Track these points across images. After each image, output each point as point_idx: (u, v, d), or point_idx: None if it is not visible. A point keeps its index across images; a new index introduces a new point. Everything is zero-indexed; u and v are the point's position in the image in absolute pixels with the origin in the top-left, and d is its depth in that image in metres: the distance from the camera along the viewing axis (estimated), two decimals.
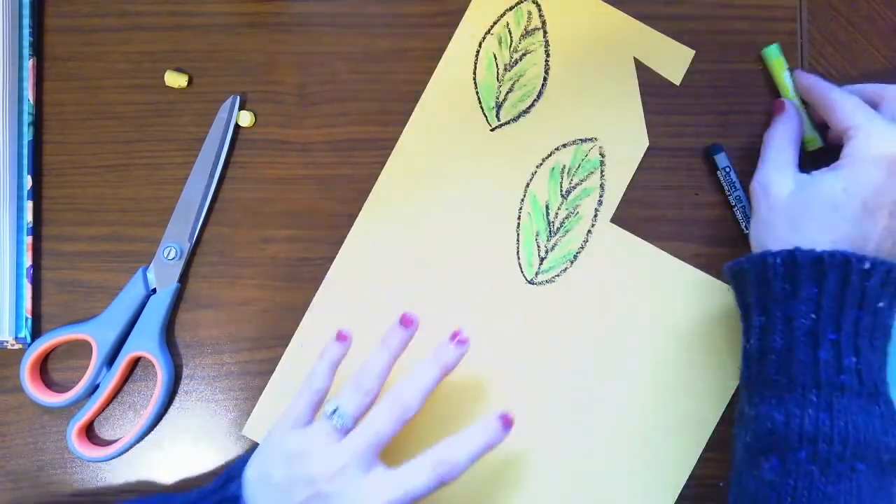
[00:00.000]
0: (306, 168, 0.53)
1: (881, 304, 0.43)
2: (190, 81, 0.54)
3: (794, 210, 0.46)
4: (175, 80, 0.53)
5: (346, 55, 0.54)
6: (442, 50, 0.54)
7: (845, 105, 0.47)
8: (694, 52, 0.53)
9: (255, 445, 0.51)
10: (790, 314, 0.44)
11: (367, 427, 0.45)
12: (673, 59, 0.53)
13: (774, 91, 0.53)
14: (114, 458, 0.52)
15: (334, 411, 0.45)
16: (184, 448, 0.52)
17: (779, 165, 0.49)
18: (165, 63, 0.54)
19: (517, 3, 0.54)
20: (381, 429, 0.44)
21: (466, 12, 0.54)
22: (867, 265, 0.43)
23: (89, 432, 0.53)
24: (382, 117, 0.53)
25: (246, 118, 0.53)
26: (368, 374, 0.46)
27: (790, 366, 0.43)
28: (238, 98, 0.53)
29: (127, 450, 0.52)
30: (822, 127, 0.51)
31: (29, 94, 0.53)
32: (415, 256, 0.53)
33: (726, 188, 0.52)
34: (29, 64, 0.53)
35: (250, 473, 0.45)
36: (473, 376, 0.52)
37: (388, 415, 0.45)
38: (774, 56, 0.53)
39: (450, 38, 0.54)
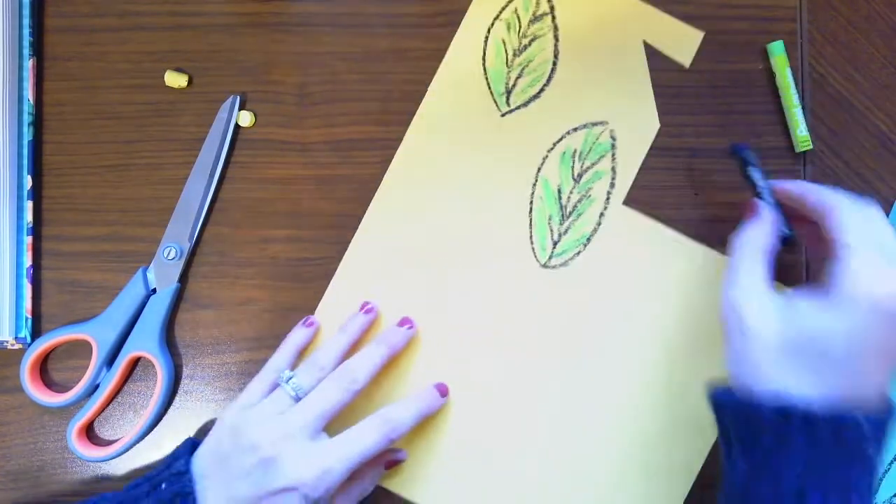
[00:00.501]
0: (306, 168, 0.53)
1: (870, 452, 0.40)
2: (190, 81, 0.54)
3: (780, 351, 0.41)
4: (175, 80, 0.53)
5: (346, 55, 0.54)
6: (442, 50, 0.54)
7: (842, 215, 0.42)
8: (703, 33, 0.53)
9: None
10: (778, 470, 0.40)
11: (315, 396, 0.47)
12: (682, 42, 0.53)
13: (775, 90, 0.53)
14: (114, 458, 0.52)
15: (290, 378, 0.47)
16: None
17: (750, 284, 0.43)
18: (165, 63, 0.54)
19: None
20: (329, 398, 0.46)
21: None
22: (863, 424, 0.39)
23: (89, 432, 0.53)
24: (382, 117, 0.53)
25: (246, 118, 0.53)
26: (326, 352, 0.49)
27: None
28: (238, 98, 0.53)
29: (127, 450, 0.52)
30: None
31: (29, 94, 0.53)
32: (428, 242, 0.53)
33: (758, 185, 0.49)
34: (29, 64, 0.53)
35: (201, 450, 0.47)
36: (489, 360, 0.52)
37: (337, 385, 0.47)
38: (778, 52, 0.53)
39: (450, 38, 0.54)
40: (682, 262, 0.52)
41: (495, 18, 0.54)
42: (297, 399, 0.47)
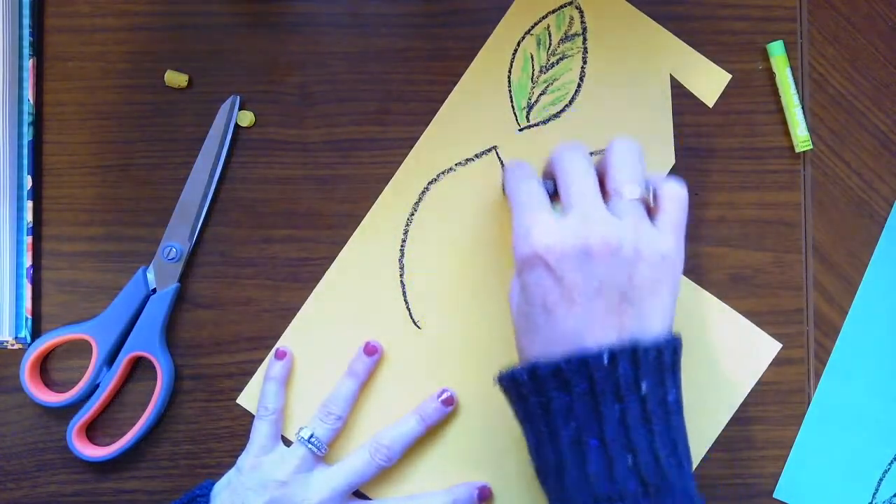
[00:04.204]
0: (306, 168, 0.53)
1: (644, 390, 0.40)
2: (190, 81, 0.54)
3: (519, 318, 0.43)
4: (175, 80, 0.53)
5: (346, 55, 0.54)
6: (442, 50, 0.54)
7: (514, 195, 0.44)
8: (730, 76, 0.53)
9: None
10: (552, 428, 0.40)
11: (347, 466, 0.49)
12: (709, 81, 0.53)
13: (775, 90, 0.53)
14: (114, 457, 0.52)
15: (311, 436, 0.49)
16: (183, 448, 0.52)
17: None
18: (165, 63, 0.54)
19: (560, 7, 0.53)
20: (359, 471, 0.49)
21: (508, 10, 0.53)
22: (606, 360, 0.39)
23: (89, 432, 0.53)
24: (382, 117, 0.53)
25: (246, 118, 0.53)
26: (337, 400, 0.50)
27: (566, 486, 0.40)
28: (238, 98, 0.53)
29: (127, 450, 0.52)
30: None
31: (29, 94, 0.53)
32: (424, 250, 0.53)
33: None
34: (29, 64, 0.53)
35: (223, 498, 0.48)
36: (482, 376, 0.52)
37: (371, 461, 0.49)
38: (778, 52, 0.53)
39: (451, 39, 0.54)
40: (678, 301, 0.52)
41: (527, 32, 0.53)
42: (320, 452, 0.49)
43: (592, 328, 0.40)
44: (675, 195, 0.44)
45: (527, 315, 0.42)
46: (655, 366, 0.40)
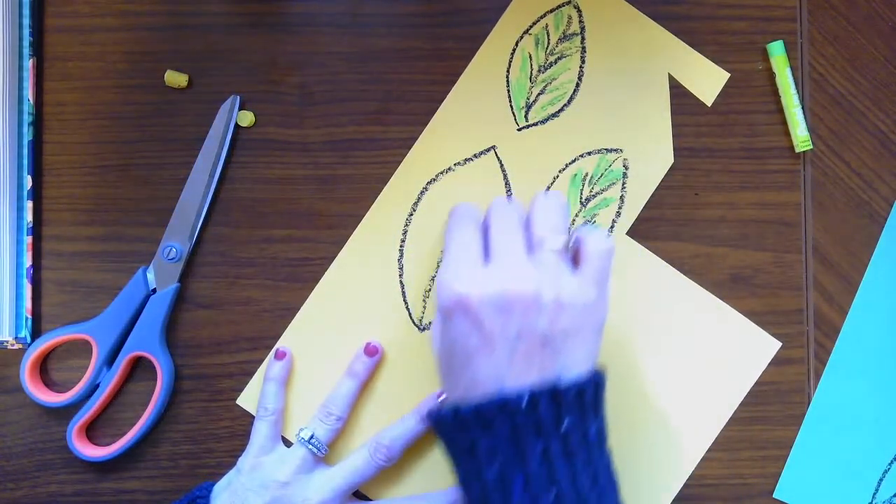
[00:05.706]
0: (306, 168, 0.53)
1: (565, 428, 0.40)
2: (190, 81, 0.54)
3: (441, 361, 0.44)
4: (175, 80, 0.53)
5: (346, 55, 0.54)
6: (442, 50, 0.54)
7: (447, 242, 0.45)
8: (728, 74, 0.53)
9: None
10: (478, 465, 0.41)
11: (347, 467, 0.49)
12: (707, 80, 0.53)
13: (775, 90, 0.53)
14: (114, 457, 0.52)
15: (311, 437, 0.49)
16: (183, 448, 0.52)
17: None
18: (165, 63, 0.54)
19: (558, 6, 0.53)
20: (361, 472, 0.49)
21: (506, 10, 0.53)
22: (525, 402, 0.40)
23: (89, 432, 0.53)
24: (382, 117, 0.53)
25: (246, 118, 0.53)
26: (337, 401, 0.51)
27: None
28: (238, 98, 0.53)
29: (127, 450, 0.52)
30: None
31: (29, 94, 0.53)
32: (423, 250, 0.53)
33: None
34: (29, 64, 0.53)
35: (223, 499, 0.48)
36: None
37: (372, 462, 0.49)
38: (778, 52, 0.53)
39: (450, 39, 0.54)
40: (677, 299, 0.52)
41: (525, 32, 0.53)
42: (320, 453, 0.50)
43: (512, 372, 0.41)
44: (598, 247, 0.43)
45: (448, 359, 0.43)
46: (577, 404, 0.41)
